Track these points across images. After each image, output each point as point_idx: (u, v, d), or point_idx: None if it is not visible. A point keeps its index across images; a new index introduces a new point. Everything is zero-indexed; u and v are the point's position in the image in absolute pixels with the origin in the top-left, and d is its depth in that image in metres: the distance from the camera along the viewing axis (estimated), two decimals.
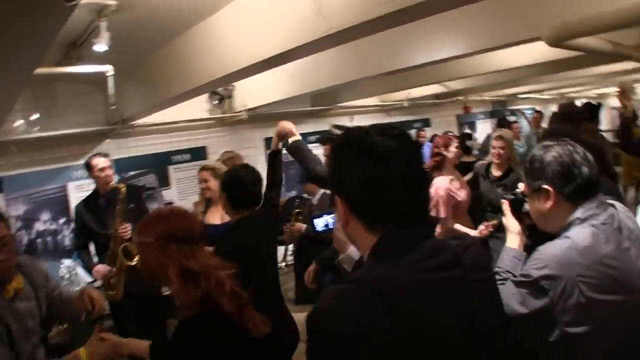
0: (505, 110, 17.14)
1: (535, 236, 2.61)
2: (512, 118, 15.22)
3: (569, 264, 2.14)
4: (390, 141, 1.58)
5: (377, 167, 1.54)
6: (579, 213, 2.29)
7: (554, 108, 19.58)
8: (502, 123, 12.48)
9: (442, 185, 5.58)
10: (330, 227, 2.55)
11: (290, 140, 3.90)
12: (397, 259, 1.52)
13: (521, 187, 2.63)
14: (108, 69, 6.17)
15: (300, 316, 6.33)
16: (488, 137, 8.85)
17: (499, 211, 3.04)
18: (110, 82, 6.18)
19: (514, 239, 2.67)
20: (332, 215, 2.50)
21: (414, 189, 1.60)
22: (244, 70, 5.27)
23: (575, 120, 5.77)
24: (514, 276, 2.34)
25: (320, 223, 2.57)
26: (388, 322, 1.38)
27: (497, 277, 2.39)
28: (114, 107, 6.52)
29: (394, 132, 1.63)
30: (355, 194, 1.60)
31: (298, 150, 3.86)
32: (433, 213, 5.59)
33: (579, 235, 2.22)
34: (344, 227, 1.70)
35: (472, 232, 5.46)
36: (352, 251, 2.42)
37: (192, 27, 5.67)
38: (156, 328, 5.80)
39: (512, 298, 2.18)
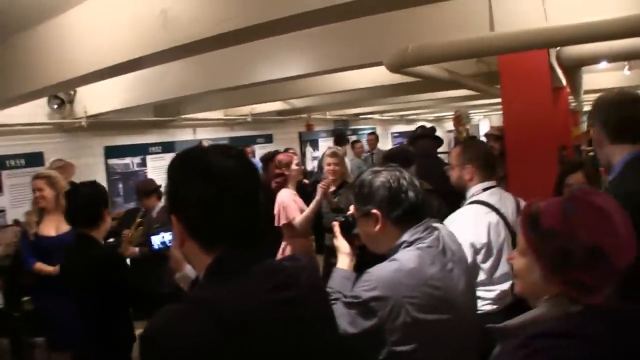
0: (347, 129, 17.63)
1: (365, 256, 2.68)
2: (353, 137, 15.72)
3: (397, 286, 2.22)
4: (227, 161, 1.60)
5: (212, 188, 1.55)
6: (406, 236, 2.39)
7: (394, 129, 20.38)
8: (339, 140, 12.83)
9: (285, 195, 5.86)
10: (168, 244, 2.54)
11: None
12: (232, 280, 1.53)
13: (351, 209, 2.67)
14: None
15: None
16: (323, 155, 9.15)
17: (329, 231, 3.04)
18: None
19: (344, 259, 2.70)
20: (170, 232, 2.48)
21: (248, 210, 1.63)
22: (86, 75, 5.17)
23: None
24: (344, 296, 2.38)
25: (157, 240, 2.56)
26: (220, 343, 1.40)
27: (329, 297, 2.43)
28: None
29: (231, 152, 1.65)
30: (190, 214, 1.59)
31: None
32: (277, 222, 5.82)
33: (406, 257, 2.31)
34: (179, 246, 1.69)
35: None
36: (189, 270, 2.42)
37: (36, 25, 5.45)
38: None
39: (342, 318, 2.21)
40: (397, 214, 2.40)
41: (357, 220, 2.58)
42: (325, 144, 15.12)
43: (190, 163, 1.65)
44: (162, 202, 6.64)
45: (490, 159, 3.97)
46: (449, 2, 4.51)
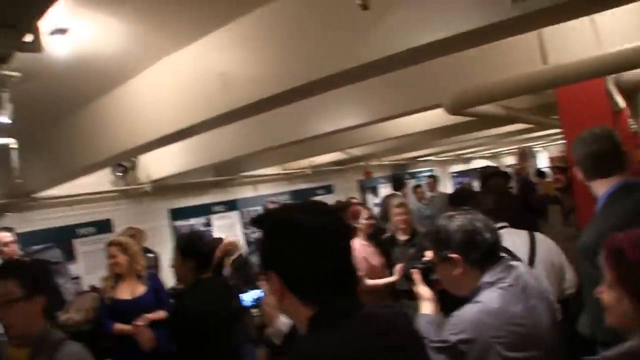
0: (405, 173, 17.54)
1: (446, 300, 2.74)
2: (412, 181, 15.64)
3: (483, 326, 2.27)
4: (320, 218, 1.67)
5: (309, 244, 1.62)
6: (487, 277, 2.43)
7: (452, 169, 20.19)
8: (397, 185, 12.72)
9: (355, 246, 5.75)
10: (258, 301, 2.63)
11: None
12: (337, 329, 1.56)
13: (428, 255, 2.75)
14: (11, 142, 6.03)
15: None
16: (384, 202, 9.16)
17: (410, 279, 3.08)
18: (14, 156, 6.04)
19: (427, 305, 2.76)
20: (259, 290, 2.58)
21: (344, 262, 1.68)
22: (149, 144, 5.32)
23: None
24: (431, 341, 2.40)
25: (247, 298, 2.64)
26: None
27: None
28: (18, 180, 6.37)
29: (323, 209, 1.75)
30: (288, 270, 1.65)
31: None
32: None
33: (489, 298, 2.36)
34: (279, 302, 1.71)
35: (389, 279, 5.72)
36: (282, 324, 2.48)
37: (97, 99, 5.65)
38: None
39: None
40: (475, 256, 2.46)
41: (437, 266, 2.64)
42: (385, 190, 15.07)
43: (285, 221, 1.72)
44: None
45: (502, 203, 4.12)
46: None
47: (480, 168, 9.59)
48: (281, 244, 1.67)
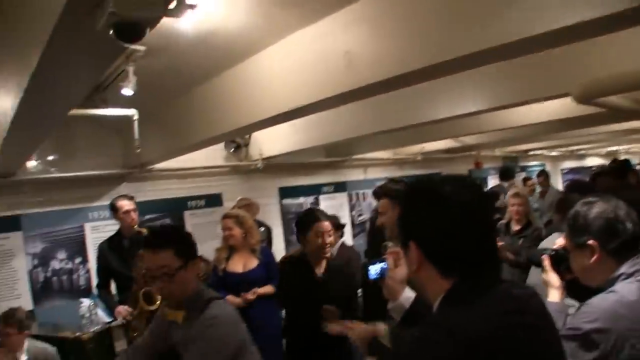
0: (516, 166, 17.10)
1: (574, 290, 2.65)
2: (522, 174, 15.29)
3: (618, 318, 2.17)
4: (466, 191, 1.65)
5: (452, 215, 1.60)
6: (624, 268, 2.32)
7: (563, 165, 19.62)
8: (505, 175, 12.36)
9: None
10: (383, 274, 2.55)
11: None
12: (473, 305, 1.53)
13: (559, 242, 2.70)
14: (133, 113, 6.23)
15: None
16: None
17: (538, 265, 3.06)
18: (135, 127, 6.23)
19: (555, 293, 2.70)
20: (384, 263, 2.50)
21: (487, 237, 1.66)
22: (266, 120, 5.32)
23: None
24: (560, 329, 2.27)
25: (374, 270, 2.59)
26: None
27: None
28: (139, 150, 6.56)
29: (467, 182, 1.74)
30: (429, 240, 1.64)
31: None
32: None
33: (626, 290, 2.25)
34: (415, 272, 1.71)
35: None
36: (404, 299, 2.42)
37: (217, 75, 5.71)
38: None
39: None
40: (614, 245, 2.35)
41: (571, 253, 2.53)
42: (495, 182, 14.78)
43: (428, 192, 1.71)
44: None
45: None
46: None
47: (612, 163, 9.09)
48: (426, 215, 1.66)
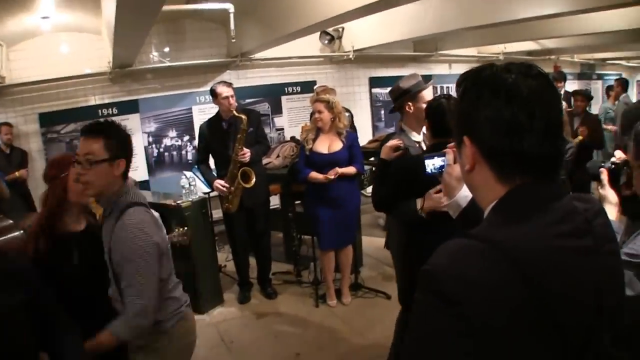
0: (593, 73, 16.58)
1: (629, 208, 2.41)
2: (599, 82, 14.73)
3: None
4: (531, 81, 1.35)
5: (514, 108, 1.32)
6: None
7: None
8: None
9: None
10: (441, 169, 2.39)
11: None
12: (527, 219, 1.31)
13: (618, 154, 2.43)
14: (229, 7, 6.51)
15: None
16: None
17: (595, 179, 2.61)
18: (232, 19, 6.55)
19: (611, 209, 2.35)
20: (443, 158, 2.34)
21: (552, 137, 1.36)
22: (358, 9, 5.42)
23: None
24: None
25: (431, 164, 2.33)
26: (514, 288, 1.20)
27: None
28: (233, 40, 6.93)
29: (532, 72, 1.38)
30: (487, 136, 1.37)
31: None
32: None
33: None
34: (468, 172, 1.47)
35: None
36: (460, 197, 2.24)
37: None
38: (260, 236, 6.36)
39: None
40: None
41: (633, 169, 2.19)
42: (570, 88, 14.38)
43: (487, 80, 1.41)
44: None
45: None
46: None
47: None
48: (482, 106, 1.37)
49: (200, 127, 6.26)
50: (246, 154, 5.81)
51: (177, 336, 2.94)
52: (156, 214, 3.00)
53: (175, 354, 2.96)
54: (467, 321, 1.17)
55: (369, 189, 7.01)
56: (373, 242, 7.66)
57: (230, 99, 5.86)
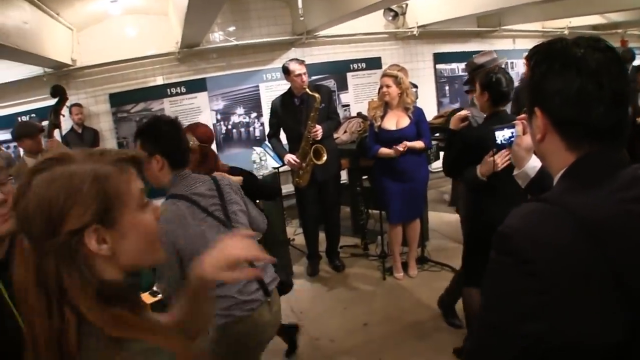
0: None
1: None
2: None
3: None
4: (599, 54, 1.41)
5: (589, 82, 1.37)
6: None
7: None
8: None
9: None
10: (510, 140, 2.51)
11: None
12: (595, 185, 1.36)
13: None
14: None
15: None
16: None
17: None
18: None
19: None
20: (512, 130, 2.48)
21: (619, 107, 1.40)
22: None
23: None
24: None
25: (501, 135, 2.44)
26: (583, 249, 1.24)
27: None
28: (302, 18, 6.98)
29: (601, 45, 1.43)
30: (561, 108, 1.42)
31: None
32: None
33: None
34: (539, 141, 1.52)
35: None
36: (529, 168, 2.32)
37: None
38: (330, 209, 6.46)
39: None
40: None
41: None
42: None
43: (557, 53, 1.46)
44: None
45: None
46: None
47: None
48: (553, 78, 1.43)
49: (272, 103, 6.34)
50: (318, 131, 5.90)
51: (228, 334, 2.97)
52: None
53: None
54: (539, 279, 1.24)
55: (434, 164, 7.04)
56: (439, 217, 7.73)
57: (303, 76, 5.95)
